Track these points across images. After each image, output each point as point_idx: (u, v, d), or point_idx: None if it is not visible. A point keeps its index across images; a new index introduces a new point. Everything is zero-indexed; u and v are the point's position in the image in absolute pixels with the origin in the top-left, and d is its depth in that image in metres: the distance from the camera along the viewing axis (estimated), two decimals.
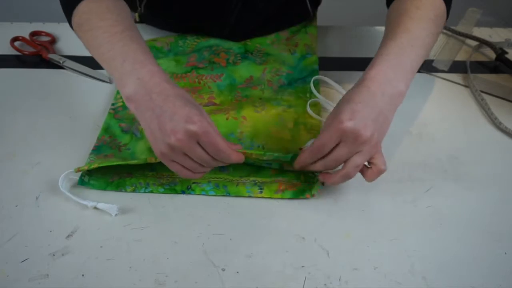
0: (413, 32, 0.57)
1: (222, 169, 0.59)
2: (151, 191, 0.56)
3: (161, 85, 0.50)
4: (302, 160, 0.53)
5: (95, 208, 0.54)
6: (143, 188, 0.56)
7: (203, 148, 0.49)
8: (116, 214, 0.54)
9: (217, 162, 0.51)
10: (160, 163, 0.53)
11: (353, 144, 0.49)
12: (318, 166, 0.53)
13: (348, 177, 0.52)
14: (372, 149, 0.51)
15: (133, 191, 0.56)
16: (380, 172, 0.53)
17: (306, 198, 0.56)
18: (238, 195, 0.57)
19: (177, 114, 0.48)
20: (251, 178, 0.58)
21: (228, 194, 0.57)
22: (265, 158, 0.55)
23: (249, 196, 0.57)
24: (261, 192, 0.57)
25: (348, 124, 0.48)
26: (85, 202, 0.54)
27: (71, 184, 0.57)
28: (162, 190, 0.56)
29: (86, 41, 0.57)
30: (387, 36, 0.58)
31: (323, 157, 0.52)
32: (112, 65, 0.53)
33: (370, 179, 0.53)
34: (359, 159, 0.51)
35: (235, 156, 0.51)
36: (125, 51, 0.52)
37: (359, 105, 0.50)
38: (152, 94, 0.49)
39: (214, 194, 0.57)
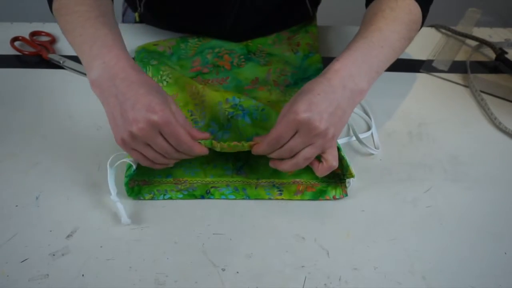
0: (384, 32, 0.57)
1: (239, 172, 0.59)
2: (170, 198, 0.56)
3: (126, 71, 0.49)
4: (259, 151, 0.52)
5: (116, 203, 0.53)
6: (162, 195, 0.56)
7: (165, 139, 0.49)
8: (123, 223, 0.53)
9: (180, 154, 0.51)
10: (176, 168, 0.54)
11: (307, 135, 0.49)
12: (273, 155, 0.52)
13: (298, 166, 0.52)
14: (326, 143, 0.50)
15: (152, 198, 0.56)
16: (330, 168, 0.52)
17: (326, 199, 0.56)
18: (258, 198, 0.57)
19: (139, 102, 0.47)
20: (269, 180, 0.58)
21: (248, 197, 0.57)
22: (229, 149, 0.54)
23: (269, 199, 0.57)
24: (280, 194, 0.57)
25: (304, 115, 0.48)
26: (113, 193, 0.53)
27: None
28: (181, 196, 0.56)
29: (62, 25, 0.57)
30: (359, 33, 0.58)
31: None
32: (82, 49, 0.53)
33: (319, 174, 0.53)
34: (310, 151, 0.50)
35: (198, 148, 0.51)
36: (96, 35, 0.52)
37: (317, 96, 0.49)
38: (116, 79, 0.49)
39: (234, 197, 0.57)
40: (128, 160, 0.54)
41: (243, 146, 0.53)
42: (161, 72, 0.69)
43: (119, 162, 0.54)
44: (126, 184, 0.54)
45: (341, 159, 0.55)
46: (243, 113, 0.61)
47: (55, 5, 0.58)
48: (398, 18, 0.59)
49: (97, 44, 0.51)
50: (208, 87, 0.66)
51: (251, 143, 0.53)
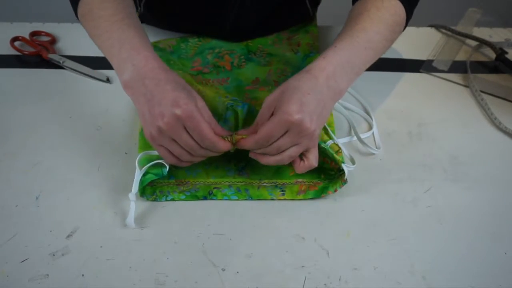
0: (369, 33, 0.57)
1: (241, 172, 0.59)
2: (173, 199, 0.56)
3: (154, 71, 0.51)
4: (246, 146, 0.52)
5: (131, 202, 0.53)
6: (164, 197, 0.56)
7: (189, 134, 0.49)
8: (128, 224, 0.53)
9: (204, 151, 0.51)
10: (178, 169, 0.54)
11: (296, 135, 0.50)
12: (259, 151, 0.53)
13: (281, 163, 0.52)
14: (310, 142, 0.51)
15: (154, 200, 0.56)
16: (311, 167, 0.53)
17: (328, 194, 0.57)
18: (260, 199, 0.57)
19: (165, 98, 0.48)
20: (271, 180, 0.58)
21: (251, 198, 0.57)
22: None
23: (272, 199, 0.57)
24: (283, 194, 0.57)
25: (297, 116, 0.48)
26: (134, 191, 0.53)
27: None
28: (183, 197, 0.56)
29: (89, 31, 0.58)
30: (345, 31, 0.58)
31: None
32: (111, 53, 0.54)
33: (299, 171, 0.54)
34: (296, 150, 0.51)
35: (222, 143, 0.51)
36: (123, 38, 0.53)
37: (307, 96, 0.50)
38: (145, 79, 0.50)
39: (237, 198, 0.57)
40: (162, 161, 0.54)
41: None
42: None
43: (153, 162, 0.54)
44: (142, 183, 0.54)
45: (324, 151, 0.56)
46: (242, 104, 0.61)
47: (80, 10, 0.59)
48: (383, 19, 0.59)
49: (125, 47, 0.53)
50: (208, 88, 0.66)
51: (237, 137, 0.53)
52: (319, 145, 0.55)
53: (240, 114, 0.60)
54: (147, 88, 0.50)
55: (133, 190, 0.53)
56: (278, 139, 0.50)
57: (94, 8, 0.57)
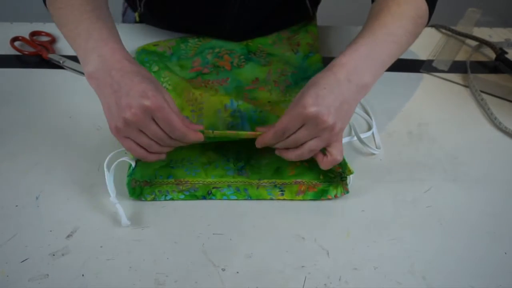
0: (390, 27, 0.57)
1: (240, 172, 0.59)
2: (172, 199, 0.56)
3: (122, 62, 0.50)
4: (265, 141, 0.53)
5: (115, 204, 0.53)
6: (163, 196, 0.56)
7: (158, 125, 0.49)
8: (123, 224, 0.53)
9: (174, 141, 0.51)
10: (177, 169, 0.54)
11: (314, 129, 0.49)
12: (278, 145, 0.53)
13: (302, 157, 0.52)
14: (332, 136, 0.51)
15: (153, 199, 0.56)
16: (335, 162, 0.53)
17: (328, 199, 0.56)
18: (259, 198, 0.57)
19: (133, 89, 0.48)
20: (271, 180, 0.58)
21: (250, 198, 0.57)
22: (226, 135, 0.54)
23: (271, 199, 0.57)
24: (282, 194, 0.57)
25: (312, 109, 0.48)
26: (112, 195, 0.53)
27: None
28: (182, 197, 0.56)
29: (56, 18, 0.57)
30: (364, 28, 0.58)
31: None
32: (77, 42, 0.53)
33: (324, 167, 0.54)
34: (315, 144, 0.51)
35: (193, 134, 0.51)
36: (91, 29, 0.53)
37: (323, 90, 0.50)
38: (112, 70, 0.50)
39: (236, 198, 0.57)
40: (126, 159, 0.54)
41: (238, 134, 0.53)
42: (161, 79, 0.69)
43: (116, 162, 0.54)
44: (128, 184, 0.54)
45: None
46: (241, 120, 0.62)
47: None
48: (404, 13, 0.59)
49: (92, 38, 0.52)
50: (206, 92, 0.66)
51: (249, 132, 0.53)
52: None
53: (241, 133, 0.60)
54: (113, 79, 0.49)
55: (111, 194, 0.53)
56: (296, 132, 0.50)
57: None
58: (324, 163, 0.53)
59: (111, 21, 0.55)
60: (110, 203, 0.55)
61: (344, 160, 0.55)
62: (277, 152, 0.55)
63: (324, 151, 0.53)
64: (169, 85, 0.68)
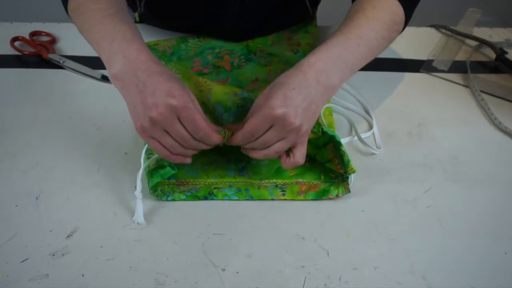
0: (363, 30, 0.57)
1: (241, 172, 0.59)
2: (173, 199, 0.56)
3: (147, 63, 0.50)
4: (235, 142, 0.52)
5: (138, 200, 0.53)
6: (165, 196, 0.56)
7: (183, 125, 0.49)
8: (136, 222, 0.53)
9: (197, 143, 0.50)
10: (179, 170, 0.53)
11: (281, 130, 0.49)
12: (247, 147, 0.53)
13: (268, 157, 0.52)
14: (298, 138, 0.51)
15: (156, 197, 0.56)
16: (296, 164, 0.53)
17: (329, 198, 0.56)
18: (261, 199, 0.57)
19: (159, 88, 0.48)
20: (272, 180, 0.58)
21: (251, 198, 0.57)
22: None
23: (272, 199, 0.57)
24: (283, 195, 0.57)
25: (279, 110, 0.48)
26: (138, 188, 0.53)
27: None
28: (184, 197, 0.56)
29: (79, 24, 0.58)
30: (339, 29, 0.58)
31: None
32: (101, 46, 0.53)
33: (285, 167, 0.54)
34: (282, 145, 0.51)
35: (215, 136, 0.50)
36: (115, 31, 0.53)
37: (292, 91, 0.49)
38: (138, 71, 0.49)
39: (237, 198, 0.57)
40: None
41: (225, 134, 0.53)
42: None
43: (154, 157, 0.54)
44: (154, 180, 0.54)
45: (342, 155, 0.55)
46: (252, 105, 0.61)
47: (71, 5, 0.59)
48: (378, 17, 0.59)
49: (117, 40, 0.52)
50: (215, 83, 0.65)
51: (228, 132, 0.53)
52: (336, 144, 0.55)
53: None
54: (139, 79, 0.49)
55: (137, 188, 0.53)
56: (264, 133, 0.50)
57: (86, 2, 0.56)
58: (286, 164, 0.53)
59: (133, 24, 0.56)
60: (110, 203, 0.55)
61: (347, 158, 0.55)
62: (243, 151, 0.54)
63: (288, 152, 0.53)
64: (177, 74, 0.68)
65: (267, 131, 0.50)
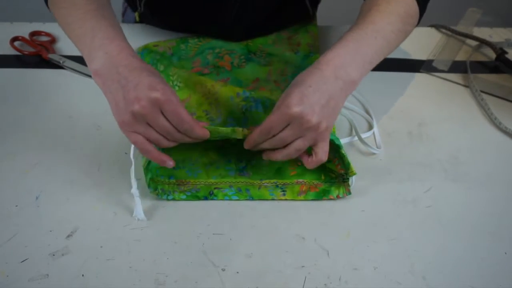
0: (378, 24, 0.56)
1: (241, 172, 0.59)
2: (173, 199, 0.56)
3: (128, 59, 0.50)
4: (251, 141, 0.52)
5: (136, 197, 0.53)
6: (165, 195, 0.56)
7: (166, 119, 0.49)
8: (137, 219, 0.53)
9: (181, 136, 0.50)
10: (179, 170, 0.54)
11: (299, 128, 0.49)
12: (265, 145, 0.52)
13: (289, 157, 0.52)
14: (317, 135, 0.51)
15: (156, 195, 0.56)
16: (319, 162, 0.52)
17: (330, 199, 0.56)
18: (261, 199, 0.57)
19: (141, 83, 0.48)
20: (272, 181, 0.58)
21: (251, 198, 0.57)
22: (223, 132, 0.53)
23: (273, 199, 0.57)
24: (284, 195, 0.57)
25: (296, 109, 0.48)
26: (134, 186, 0.53)
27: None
28: (184, 197, 0.56)
29: (60, 18, 0.57)
30: (354, 25, 0.58)
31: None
32: (82, 41, 0.53)
33: (308, 167, 0.53)
34: (301, 143, 0.51)
35: (199, 129, 0.50)
36: (96, 27, 0.53)
37: (309, 89, 0.49)
38: (119, 67, 0.49)
39: (237, 198, 0.57)
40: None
41: (233, 131, 0.53)
42: (171, 78, 0.69)
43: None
44: (147, 175, 0.54)
45: (342, 157, 0.55)
46: (255, 103, 0.61)
47: None
48: (393, 11, 0.58)
49: (98, 36, 0.52)
50: (217, 83, 0.66)
51: (244, 131, 0.52)
52: (336, 147, 0.55)
53: (255, 115, 0.60)
54: (121, 75, 0.49)
55: (133, 186, 0.53)
56: (281, 131, 0.50)
57: None
58: (309, 163, 0.53)
59: (115, 20, 0.56)
60: (110, 203, 0.55)
61: (347, 160, 0.55)
62: (264, 156, 0.54)
63: (310, 150, 0.53)
64: (179, 82, 0.68)
65: (284, 129, 0.50)
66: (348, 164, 0.55)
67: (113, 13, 0.57)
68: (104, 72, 0.50)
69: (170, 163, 0.52)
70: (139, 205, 0.53)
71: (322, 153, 0.52)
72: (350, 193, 0.56)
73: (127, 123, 0.49)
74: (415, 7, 0.61)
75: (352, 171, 0.55)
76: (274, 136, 0.51)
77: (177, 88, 0.68)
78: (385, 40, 0.56)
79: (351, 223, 0.55)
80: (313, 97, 0.49)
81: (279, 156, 0.52)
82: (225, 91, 0.64)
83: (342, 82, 0.52)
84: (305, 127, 0.49)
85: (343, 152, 0.55)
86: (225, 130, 0.53)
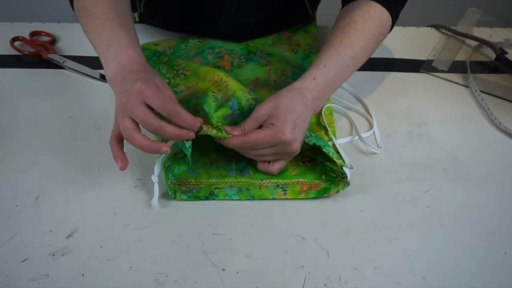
0: (355, 49, 0.61)
1: (242, 172, 0.59)
2: (175, 198, 0.56)
3: (133, 65, 0.53)
4: (232, 144, 0.54)
5: (154, 183, 0.54)
6: (171, 192, 0.56)
7: (148, 107, 0.49)
8: (154, 204, 0.55)
9: (160, 125, 0.49)
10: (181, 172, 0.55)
11: (282, 150, 0.54)
12: (241, 151, 0.56)
13: (253, 158, 0.58)
14: (289, 157, 0.57)
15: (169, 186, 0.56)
16: (270, 173, 0.58)
17: (330, 195, 0.57)
18: (262, 198, 0.57)
19: (134, 81, 0.49)
20: (273, 180, 0.58)
21: (252, 198, 0.57)
22: (208, 130, 0.52)
23: (273, 199, 0.57)
24: (284, 194, 0.57)
25: (289, 136, 0.53)
26: (156, 173, 0.54)
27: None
28: (185, 197, 0.56)
29: (83, 26, 0.60)
30: (333, 45, 0.61)
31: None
32: (99, 50, 0.57)
33: (259, 169, 0.58)
34: (271, 158, 0.57)
35: (185, 114, 0.49)
36: (112, 37, 0.56)
37: (299, 119, 0.54)
38: (125, 72, 0.52)
39: (238, 198, 0.57)
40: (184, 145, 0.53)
41: (220, 133, 0.53)
42: (175, 67, 0.69)
43: (174, 142, 0.53)
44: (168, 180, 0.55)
45: (326, 153, 0.56)
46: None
47: (75, 6, 0.61)
48: (368, 32, 0.62)
49: (113, 46, 0.55)
50: (229, 77, 0.65)
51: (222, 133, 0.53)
52: (316, 145, 0.57)
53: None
54: (124, 79, 0.52)
55: (155, 172, 0.54)
56: (264, 148, 0.54)
57: (88, 5, 0.59)
58: (262, 168, 0.58)
59: (131, 28, 0.58)
60: (110, 203, 0.55)
61: (333, 155, 0.56)
62: (259, 167, 0.58)
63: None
64: (187, 71, 0.68)
65: (267, 147, 0.54)
66: (333, 157, 0.56)
67: (130, 19, 0.60)
68: (116, 80, 0.53)
69: (164, 149, 0.50)
70: (157, 193, 0.54)
71: (277, 168, 0.57)
72: (349, 184, 0.56)
73: (119, 118, 0.50)
74: (388, 24, 0.65)
75: (340, 163, 0.55)
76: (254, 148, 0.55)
77: (182, 76, 0.69)
78: (355, 67, 0.62)
79: (351, 223, 0.55)
80: (301, 127, 0.55)
81: (248, 155, 0.57)
82: (238, 85, 0.63)
83: (313, 111, 0.59)
84: (286, 151, 0.54)
85: (325, 150, 0.56)
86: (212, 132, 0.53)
